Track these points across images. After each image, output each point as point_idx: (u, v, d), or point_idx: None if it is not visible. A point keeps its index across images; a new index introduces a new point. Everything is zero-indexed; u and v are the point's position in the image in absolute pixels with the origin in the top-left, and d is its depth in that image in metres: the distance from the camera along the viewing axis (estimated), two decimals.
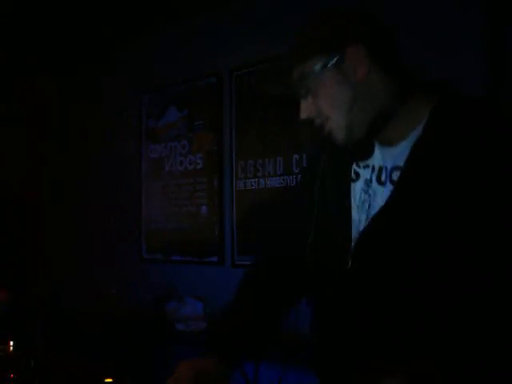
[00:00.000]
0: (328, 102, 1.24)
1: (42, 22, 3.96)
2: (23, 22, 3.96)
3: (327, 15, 1.27)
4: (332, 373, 1.33)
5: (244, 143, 3.62)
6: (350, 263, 1.26)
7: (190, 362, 1.36)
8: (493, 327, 1.10)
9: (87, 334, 3.71)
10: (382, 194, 1.25)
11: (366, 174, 1.30)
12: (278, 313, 1.50)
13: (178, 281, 3.86)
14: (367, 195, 1.29)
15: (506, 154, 1.12)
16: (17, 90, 4.53)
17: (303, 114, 1.28)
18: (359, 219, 1.28)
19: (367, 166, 1.31)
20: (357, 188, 1.32)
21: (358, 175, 1.32)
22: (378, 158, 1.29)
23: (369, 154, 1.29)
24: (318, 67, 1.22)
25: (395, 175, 1.23)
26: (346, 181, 1.33)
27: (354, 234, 1.27)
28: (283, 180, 3.37)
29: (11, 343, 2.27)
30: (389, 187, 1.24)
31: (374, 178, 1.28)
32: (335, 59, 1.21)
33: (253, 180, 3.55)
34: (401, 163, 1.22)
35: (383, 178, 1.27)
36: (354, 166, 1.33)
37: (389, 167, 1.26)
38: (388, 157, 1.27)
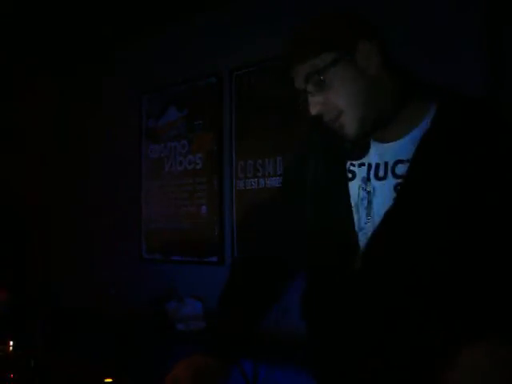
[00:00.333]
0: (344, 96, 1.24)
1: (41, 21, 3.96)
2: (23, 22, 3.96)
3: (334, 14, 1.29)
4: (333, 374, 1.32)
5: (244, 143, 3.62)
6: (358, 263, 1.26)
7: (187, 361, 1.36)
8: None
9: (87, 334, 3.71)
10: (382, 189, 1.26)
11: (362, 172, 1.31)
12: (255, 312, 1.50)
13: (177, 281, 3.86)
14: (365, 192, 1.29)
15: (508, 154, 1.15)
16: (17, 89, 4.53)
17: (314, 110, 1.27)
18: (359, 217, 1.29)
19: (363, 164, 1.32)
20: (354, 187, 1.32)
21: (353, 174, 1.33)
22: (375, 154, 1.30)
23: (365, 151, 1.30)
24: (332, 61, 1.22)
25: (399, 169, 1.25)
26: (343, 180, 1.34)
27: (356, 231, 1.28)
28: None
29: (11, 343, 2.27)
30: (391, 181, 1.25)
31: (371, 175, 1.29)
32: (346, 53, 1.23)
33: (253, 180, 3.55)
34: (404, 157, 1.24)
35: (381, 173, 1.28)
36: (349, 165, 1.34)
37: (390, 162, 1.27)
38: (387, 152, 1.28)
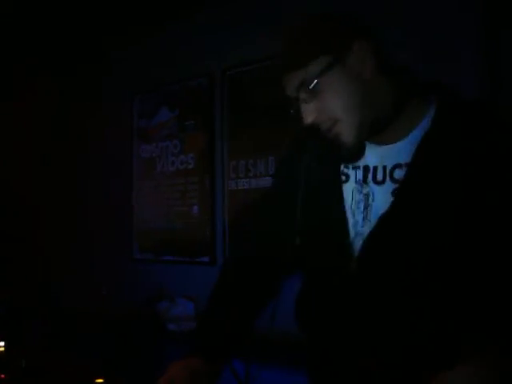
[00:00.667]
0: (336, 104, 1.19)
1: (39, 21, 3.95)
2: (21, 22, 3.94)
3: (322, 16, 1.25)
4: (329, 374, 1.31)
5: (235, 143, 3.62)
6: (354, 266, 1.23)
7: (182, 362, 1.34)
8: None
9: (79, 334, 3.70)
10: (381, 193, 1.23)
11: (358, 175, 1.28)
12: (247, 312, 1.48)
13: (169, 281, 3.86)
14: (361, 195, 1.26)
15: (507, 154, 1.13)
16: (16, 89, 4.52)
17: (308, 119, 1.22)
18: (355, 220, 1.26)
19: (357, 167, 1.28)
20: (347, 189, 1.29)
21: (347, 176, 1.30)
22: (372, 157, 1.26)
23: (361, 155, 1.26)
24: (321, 68, 1.18)
25: (397, 173, 1.21)
26: (337, 183, 1.30)
27: (352, 235, 1.25)
28: None
29: (2, 343, 2.26)
30: (390, 185, 1.22)
31: (369, 178, 1.26)
32: (339, 58, 1.18)
33: (244, 180, 3.55)
34: (402, 161, 1.21)
35: (380, 177, 1.24)
36: (343, 168, 1.31)
37: (389, 166, 1.23)
38: (386, 156, 1.24)
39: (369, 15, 1.29)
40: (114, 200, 4.40)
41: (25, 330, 2.62)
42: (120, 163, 4.38)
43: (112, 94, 4.46)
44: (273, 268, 1.44)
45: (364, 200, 1.25)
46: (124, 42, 4.32)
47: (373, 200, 1.24)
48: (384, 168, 1.24)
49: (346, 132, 1.20)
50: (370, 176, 1.26)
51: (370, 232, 1.23)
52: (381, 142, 1.25)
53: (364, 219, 1.24)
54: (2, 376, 1.98)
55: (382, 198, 1.23)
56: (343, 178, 1.30)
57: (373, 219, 1.23)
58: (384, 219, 1.21)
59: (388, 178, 1.23)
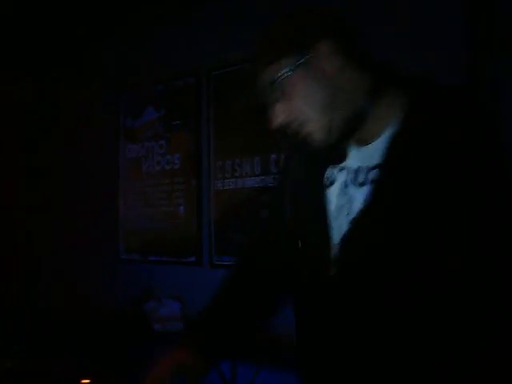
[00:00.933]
0: (303, 103, 1.19)
1: (16, 23, 3.93)
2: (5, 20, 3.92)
3: (291, 15, 1.24)
4: (316, 375, 1.30)
5: (222, 143, 3.62)
6: (333, 270, 1.21)
7: (169, 358, 1.35)
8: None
9: (65, 335, 3.68)
10: (361, 196, 1.20)
11: (342, 177, 1.25)
12: (258, 313, 1.47)
13: (156, 281, 3.85)
14: (345, 199, 1.24)
15: (483, 148, 1.11)
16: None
17: (277, 119, 1.23)
18: (340, 224, 1.23)
19: (343, 169, 1.26)
20: (333, 193, 1.27)
21: (334, 179, 1.27)
22: (354, 158, 1.24)
23: (344, 156, 1.24)
24: (287, 68, 1.18)
25: (372, 174, 1.19)
26: (322, 186, 1.28)
27: (337, 240, 1.23)
28: (261, 180, 3.38)
29: None
30: (369, 188, 1.19)
31: (350, 181, 1.23)
32: (304, 57, 1.18)
33: (230, 180, 3.56)
34: (376, 162, 1.18)
35: (361, 179, 1.22)
36: (329, 170, 1.29)
37: (365, 167, 1.21)
38: (364, 157, 1.22)
39: (336, 8, 1.25)
40: (100, 200, 4.39)
41: (11, 331, 2.61)
42: (106, 163, 4.36)
43: (98, 94, 4.45)
44: (280, 280, 1.43)
45: (347, 203, 1.23)
46: (110, 42, 4.31)
47: (353, 203, 1.22)
48: (363, 170, 1.22)
49: (317, 131, 1.20)
50: (350, 178, 1.24)
51: (343, 234, 1.21)
52: (359, 144, 1.23)
53: (347, 223, 1.21)
54: None
55: (361, 201, 1.20)
56: (330, 180, 1.28)
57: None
58: (355, 221, 1.19)
59: (367, 180, 1.20)
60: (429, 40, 2.69)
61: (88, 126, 4.49)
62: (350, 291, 1.20)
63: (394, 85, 1.21)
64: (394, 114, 1.18)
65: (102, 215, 4.36)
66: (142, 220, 4.09)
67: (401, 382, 1.15)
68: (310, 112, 1.19)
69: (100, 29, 4.08)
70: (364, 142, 1.22)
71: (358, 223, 1.19)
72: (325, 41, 1.18)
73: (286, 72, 1.18)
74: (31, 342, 2.93)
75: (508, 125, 2.12)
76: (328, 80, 1.18)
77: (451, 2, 2.65)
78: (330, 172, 1.29)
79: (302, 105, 1.19)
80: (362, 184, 1.21)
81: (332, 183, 1.28)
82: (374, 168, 1.19)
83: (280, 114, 1.22)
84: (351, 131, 1.20)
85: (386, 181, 1.16)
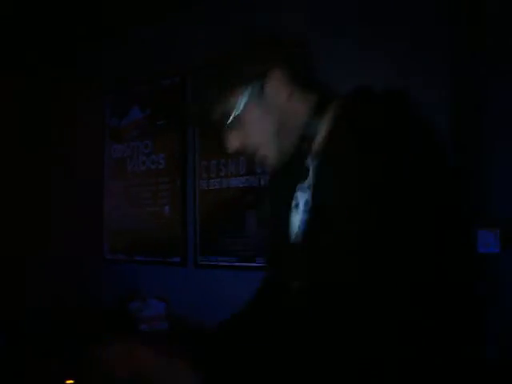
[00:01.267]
0: (257, 130, 1.24)
1: (8, 21, 3.91)
2: None
3: (244, 44, 1.28)
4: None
5: (207, 143, 3.63)
6: (296, 284, 1.24)
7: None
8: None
9: (49, 335, 3.67)
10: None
11: (306, 197, 1.27)
12: None
13: (141, 281, 3.85)
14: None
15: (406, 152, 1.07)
16: None
17: (232, 146, 1.28)
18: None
19: (304, 191, 1.28)
20: (295, 216, 1.29)
21: (297, 202, 1.30)
22: (312, 175, 1.26)
23: (306, 174, 1.27)
24: (240, 98, 1.22)
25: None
26: (289, 205, 1.32)
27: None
28: (246, 180, 3.39)
29: None
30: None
31: (309, 197, 1.24)
32: (257, 87, 1.22)
33: (216, 180, 3.56)
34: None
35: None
36: (297, 191, 1.31)
37: None
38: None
39: (286, 34, 1.27)
40: (86, 200, 4.38)
41: None
42: (91, 163, 4.36)
43: (84, 94, 4.44)
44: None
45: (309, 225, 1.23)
46: (95, 42, 4.30)
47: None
48: None
49: (270, 155, 1.26)
50: (309, 195, 1.25)
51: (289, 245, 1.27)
52: (314, 157, 1.25)
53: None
54: None
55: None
56: (294, 204, 1.31)
57: None
58: (298, 235, 1.25)
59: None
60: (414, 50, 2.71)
61: (73, 126, 4.48)
62: (312, 303, 1.18)
63: (337, 100, 1.24)
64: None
65: (87, 215, 4.35)
66: (127, 220, 4.09)
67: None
68: (261, 138, 1.25)
69: (84, 29, 4.07)
70: (315, 156, 1.25)
71: (300, 235, 1.24)
72: (275, 71, 1.22)
73: (240, 101, 1.22)
74: (16, 342, 2.92)
75: (494, 130, 2.15)
76: (278, 107, 1.23)
77: (438, 11, 2.68)
78: (297, 193, 1.31)
79: (254, 131, 1.25)
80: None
81: (297, 205, 1.31)
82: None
83: (235, 141, 1.27)
84: (305, 150, 1.25)
85: (315, 192, 1.19)
